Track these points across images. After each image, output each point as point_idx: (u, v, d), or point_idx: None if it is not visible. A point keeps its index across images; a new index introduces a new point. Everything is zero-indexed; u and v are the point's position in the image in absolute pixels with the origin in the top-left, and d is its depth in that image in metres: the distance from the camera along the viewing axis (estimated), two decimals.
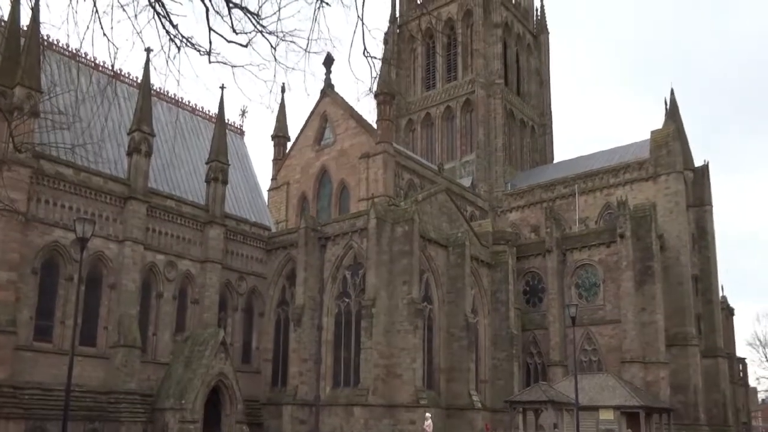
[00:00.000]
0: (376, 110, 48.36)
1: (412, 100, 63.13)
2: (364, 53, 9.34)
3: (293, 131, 54.80)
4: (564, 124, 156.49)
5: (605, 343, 42.52)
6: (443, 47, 62.29)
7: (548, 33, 66.20)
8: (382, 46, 33.21)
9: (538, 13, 67.00)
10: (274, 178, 54.39)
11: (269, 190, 53.83)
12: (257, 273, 41.13)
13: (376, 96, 46.73)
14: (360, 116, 50.54)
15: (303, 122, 54.13)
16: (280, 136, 54.59)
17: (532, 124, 63.38)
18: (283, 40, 9.17)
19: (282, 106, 54.97)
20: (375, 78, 9.77)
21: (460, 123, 59.49)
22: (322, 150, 52.00)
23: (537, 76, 65.12)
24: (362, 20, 9.05)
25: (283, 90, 50.64)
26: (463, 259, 39.02)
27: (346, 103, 51.88)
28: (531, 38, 65.67)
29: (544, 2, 67.37)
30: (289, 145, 54.64)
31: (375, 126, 48.98)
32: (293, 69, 9.60)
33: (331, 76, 53.58)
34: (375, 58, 9.47)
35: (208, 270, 37.38)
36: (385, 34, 57.64)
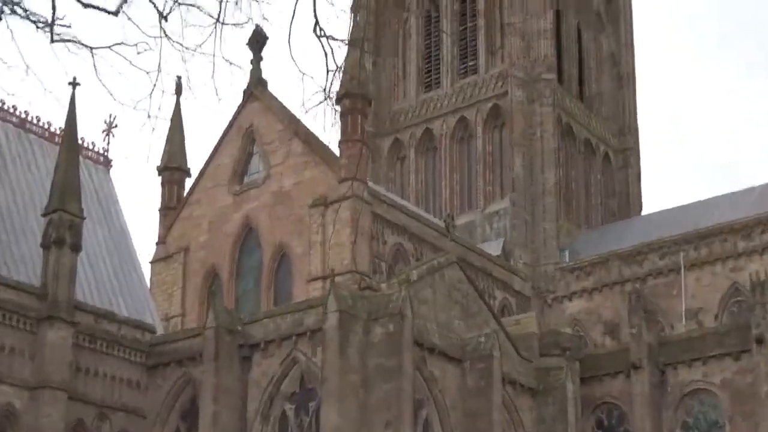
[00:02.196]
0: (338, 125, 47.88)
1: (401, 108, 63.48)
2: (315, 30, 9.93)
3: (197, 160, 54.86)
4: (658, 147, 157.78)
5: None
6: (454, 18, 62.72)
7: None
8: (348, 18, 32.49)
9: None
10: (162, 242, 54.23)
11: (153, 262, 53.68)
12: (130, 407, 40.38)
13: (338, 101, 46.08)
14: (311, 134, 50.23)
15: (214, 144, 54.12)
16: (173, 168, 54.59)
17: (606, 149, 63.64)
18: (179, 4, 9.07)
19: (177, 117, 54.92)
20: (336, 72, 10.48)
21: (483, 147, 60.38)
22: (247, 192, 51.97)
23: (613, 67, 65.29)
24: None
25: (178, 89, 47.90)
26: (490, 381, 38.82)
27: (288, 111, 51.63)
28: (603, 2, 65.96)
29: None
30: (189, 183, 54.70)
31: (337, 152, 48.95)
32: (195, 53, 9.49)
33: (263, 65, 54.22)
34: (334, 39, 10.11)
35: (45, 402, 36.50)
36: None
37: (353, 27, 46.14)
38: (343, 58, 10.67)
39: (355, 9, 57.09)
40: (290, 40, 10.24)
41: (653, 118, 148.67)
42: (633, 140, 65.65)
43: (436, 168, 62.04)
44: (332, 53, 10.01)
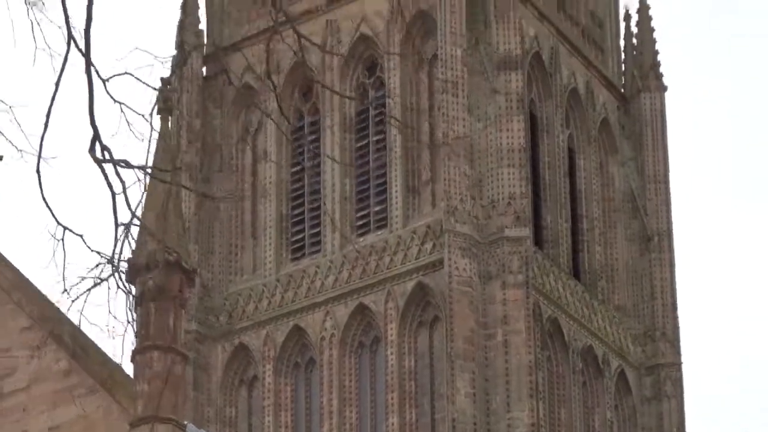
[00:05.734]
0: (133, 321, 32.42)
1: (249, 289, 50.03)
2: (93, 149, 8.15)
3: None
4: (712, 362, 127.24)
5: None
6: (346, 128, 49.64)
7: (664, 89, 53.46)
8: (149, 126, 19.85)
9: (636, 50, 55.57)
10: None
11: None
12: None
13: (132, 277, 31.67)
14: (80, 334, 34.05)
15: None
16: None
17: (622, 366, 50.18)
18: None
19: None
20: (129, 226, 8.87)
21: (398, 362, 46.82)
22: None
23: (633, 218, 52.06)
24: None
25: None
26: None
27: (32, 287, 34.33)
28: (614, 104, 53.53)
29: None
30: None
31: (130, 370, 36.51)
32: None
33: None
34: (127, 165, 8.44)
35: None
36: (164, 85, 46.77)
37: (158, 143, 41.46)
38: (141, 197, 8.25)
39: (162, 108, 40.77)
40: (39, 165, 7.85)
41: (706, 312, 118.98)
42: (671, 350, 51.28)
43: (312, 400, 48.48)
44: (124, 189, 7.90)
